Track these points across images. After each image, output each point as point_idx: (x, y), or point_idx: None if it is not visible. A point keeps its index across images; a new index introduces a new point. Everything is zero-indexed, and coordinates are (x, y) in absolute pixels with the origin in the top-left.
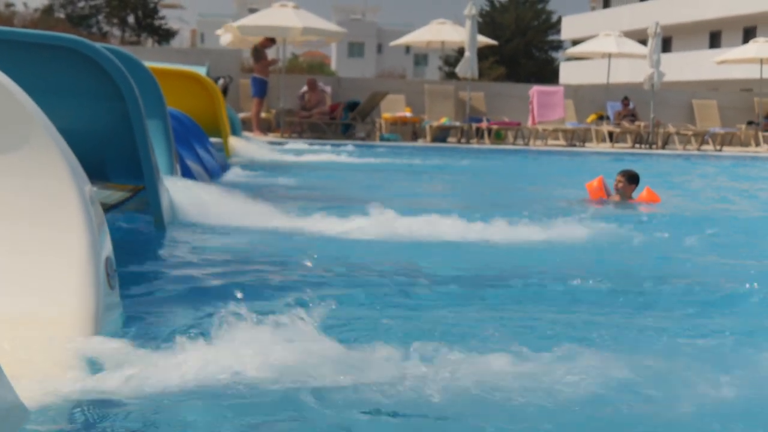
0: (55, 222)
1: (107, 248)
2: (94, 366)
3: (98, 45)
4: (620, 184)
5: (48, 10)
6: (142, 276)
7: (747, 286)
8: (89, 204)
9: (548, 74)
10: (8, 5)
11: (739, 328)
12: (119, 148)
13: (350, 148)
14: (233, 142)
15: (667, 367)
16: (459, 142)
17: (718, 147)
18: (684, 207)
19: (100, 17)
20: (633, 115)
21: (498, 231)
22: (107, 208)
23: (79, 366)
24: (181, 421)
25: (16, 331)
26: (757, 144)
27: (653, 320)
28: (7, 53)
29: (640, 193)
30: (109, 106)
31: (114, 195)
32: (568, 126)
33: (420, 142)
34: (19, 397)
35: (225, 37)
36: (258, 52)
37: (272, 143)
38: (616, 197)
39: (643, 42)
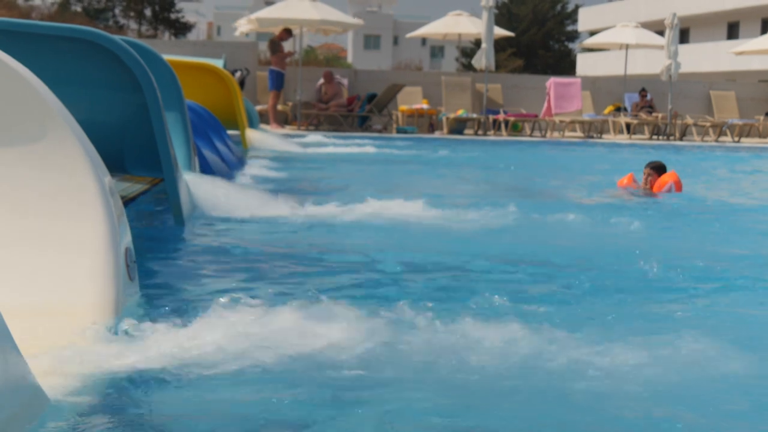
0: (75, 213)
1: (127, 239)
2: (113, 355)
3: (117, 37)
4: (651, 177)
5: (65, 4)
6: (161, 267)
7: None
8: (109, 195)
9: (565, 66)
10: None
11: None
12: (138, 141)
13: (367, 140)
14: (250, 134)
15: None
16: (476, 133)
17: (736, 138)
18: (713, 197)
19: (117, 10)
20: (650, 106)
21: (539, 220)
22: (126, 201)
23: (99, 355)
24: (197, 403)
25: (37, 322)
26: None
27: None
28: (27, 46)
29: (667, 183)
30: (127, 98)
31: (132, 187)
32: (585, 117)
33: (437, 134)
34: (40, 386)
35: (243, 27)
36: (275, 44)
37: (289, 135)
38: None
39: (661, 33)
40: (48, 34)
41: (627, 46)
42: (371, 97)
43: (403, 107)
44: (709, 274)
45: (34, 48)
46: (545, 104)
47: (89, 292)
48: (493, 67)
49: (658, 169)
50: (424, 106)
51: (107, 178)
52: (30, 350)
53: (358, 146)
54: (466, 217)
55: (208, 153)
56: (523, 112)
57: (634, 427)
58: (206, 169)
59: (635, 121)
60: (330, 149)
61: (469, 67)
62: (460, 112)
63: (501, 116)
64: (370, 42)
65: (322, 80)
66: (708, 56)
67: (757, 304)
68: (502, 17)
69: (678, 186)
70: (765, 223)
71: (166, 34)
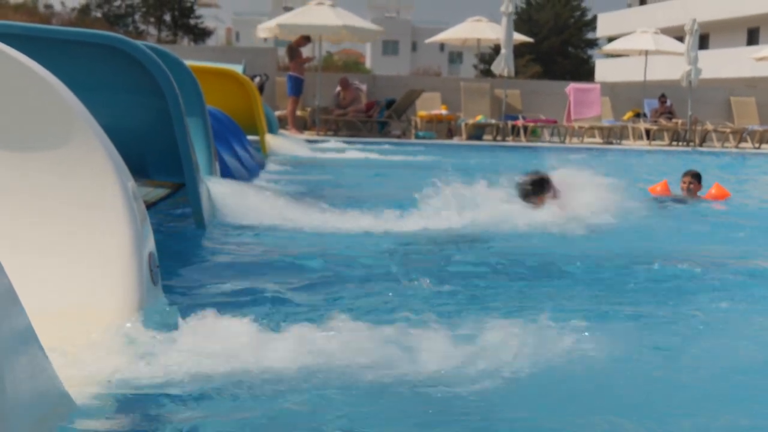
0: (99, 218)
1: (150, 244)
2: (138, 358)
3: (139, 43)
4: (691, 185)
5: (85, 10)
6: (183, 272)
7: None
8: (132, 200)
9: (584, 72)
10: (47, 6)
11: None
12: (159, 146)
13: (386, 146)
14: (270, 139)
15: None
16: (495, 139)
17: (756, 144)
18: (752, 202)
19: (137, 16)
20: (670, 112)
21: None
22: (148, 205)
23: (123, 359)
24: (223, 409)
25: (62, 326)
26: None
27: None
28: (50, 51)
29: (709, 189)
30: (149, 103)
31: (154, 192)
32: (605, 123)
33: (455, 140)
34: (65, 389)
35: (263, 33)
36: (293, 50)
37: (308, 141)
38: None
39: (680, 39)
40: (71, 40)
41: (646, 52)
42: (390, 103)
43: (422, 113)
44: None
45: (57, 54)
46: (567, 110)
47: (113, 297)
48: (512, 72)
49: (698, 176)
50: (443, 111)
51: (131, 183)
52: (55, 355)
53: (377, 152)
54: (496, 224)
55: (228, 158)
56: (542, 117)
57: None
58: (227, 173)
59: (655, 128)
60: (349, 155)
61: (487, 73)
62: (479, 118)
63: (520, 122)
64: (389, 48)
65: (339, 87)
66: (728, 62)
67: None
68: (521, 23)
69: (723, 193)
70: None
71: (185, 40)
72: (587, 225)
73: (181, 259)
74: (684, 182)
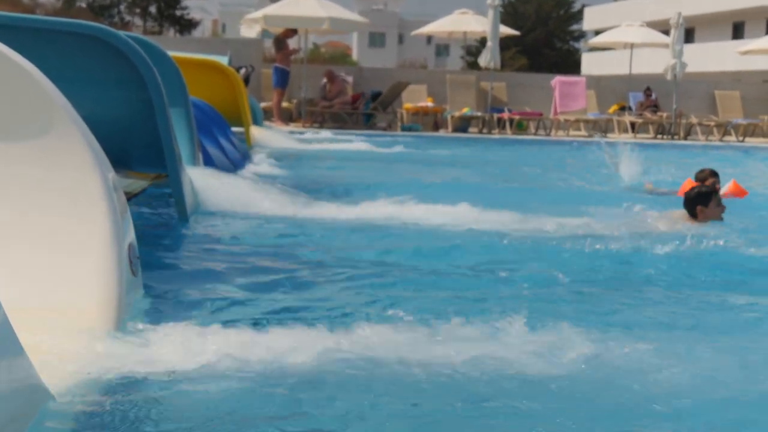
0: (78, 209)
1: (130, 235)
2: (116, 350)
3: (121, 33)
4: (716, 184)
5: (69, 0)
6: (164, 262)
7: None
8: (113, 191)
9: (570, 65)
10: None
11: None
12: (142, 137)
13: (372, 138)
14: (255, 131)
15: None
16: (480, 132)
17: (740, 138)
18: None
19: (122, 7)
20: (655, 105)
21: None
22: (131, 196)
23: (102, 350)
24: (203, 402)
25: (40, 318)
26: None
27: None
28: (31, 41)
29: (727, 185)
30: (132, 94)
31: (137, 183)
32: (590, 116)
33: (441, 132)
34: (42, 380)
35: (249, 30)
36: (279, 41)
37: (293, 133)
38: None
39: (666, 32)
40: (53, 30)
41: (632, 46)
42: (376, 95)
43: (408, 105)
44: None
45: (38, 44)
46: (553, 103)
47: (93, 289)
48: (498, 65)
49: (715, 174)
50: (429, 104)
51: (111, 174)
52: (33, 348)
53: (363, 144)
54: (499, 219)
55: (212, 149)
56: (528, 110)
57: None
58: (210, 165)
59: (640, 121)
60: (334, 146)
61: (473, 66)
62: (465, 111)
63: (506, 114)
64: (376, 40)
65: (324, 80)
66: (713, 56)
67: None
68: (507, 16)
69: (741, 190)
70: None
71: (171, 31)
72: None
73: (162, 250)
74: (707, 182)
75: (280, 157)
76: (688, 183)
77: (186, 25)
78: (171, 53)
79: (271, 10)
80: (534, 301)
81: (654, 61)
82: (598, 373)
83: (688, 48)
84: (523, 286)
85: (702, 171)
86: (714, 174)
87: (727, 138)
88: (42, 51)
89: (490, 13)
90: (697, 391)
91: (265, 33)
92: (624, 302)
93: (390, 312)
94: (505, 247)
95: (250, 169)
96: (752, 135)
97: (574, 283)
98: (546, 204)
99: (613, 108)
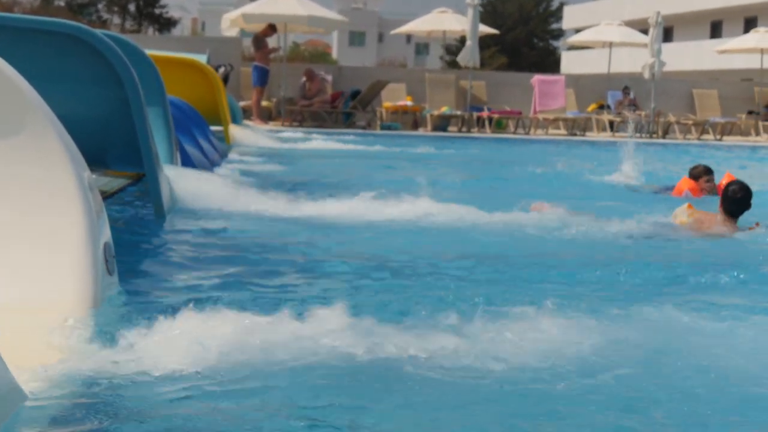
0: (54, 208)
1: (106, 234)
2: (91, 350)
3: (98, 31)
4: (709, 183)
5: None
6: (140, 261)
7: None
8: (88, 190)
9: (550, 64)
10: None
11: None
12: (119, 136)
13: (351, 136)
14: (233, 130)
15: None
16: (460, 130)
17: (718, 136)
18: None
19: (100, 5)
20: (634, 104)
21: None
22: (107, 195)
23: (77, 350)
24: (179, 400)
25: (16, 317)
26: (757, 134)
27: None
28: (6, 39)
29: (721, 179)
30: (108, 93)
31: (114, 182)
32: (569, 115)
33: (420, 131)
34: (15, 380)
35: (229, 30)
36: (259, 40)
37: (273, 132)
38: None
39: (645, 32)
40: (29, 28)
41: (611, 44)
42: (355, 94)
43: (387, 104)
44: None
45: (14, 41)
46: (532, 101)
47: (67, 287)
48: (477, 64)
49: (710, 171)
50: (408, 102)
51: (86, 173)
52: (6, 347)
53: (342, 142)
54: (489, 215)
55: (190, 148)
56: (507, 109)
57: None
58: (188, 164)
59: (618, 119)
60: (313, 145)
61: (453, 65)
62: (444, 109)
63: (485, 113)
64: (355, 38)
65: (304, 78)
66: (691, 55)
67: None
68: (487, 15)
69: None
70: None
71: (150, 30)
72: None
73: (138, 248)
74: (707, 181)
75: (258, 155)
76: (684, 181)
77: (165, 24)
78: (150, 52)
79: (250, 8)
80: (532, 295)
81: (633, 60)
82: (602, 371)
83: (667, 47)
84: (517, 281)
85: (696, 167)
86: (708, 170)
87: (705, 137)
88: (19, 49)
89: (470, 12)
90: (710, 391)
91: (242, 32)
92: (620, 296)
93: (369, 306)
94: (490, 243)
95: (228, 167)
96: (730, 133)
97: (570, 279)
98: (542, 199)
99: (592, 107)
